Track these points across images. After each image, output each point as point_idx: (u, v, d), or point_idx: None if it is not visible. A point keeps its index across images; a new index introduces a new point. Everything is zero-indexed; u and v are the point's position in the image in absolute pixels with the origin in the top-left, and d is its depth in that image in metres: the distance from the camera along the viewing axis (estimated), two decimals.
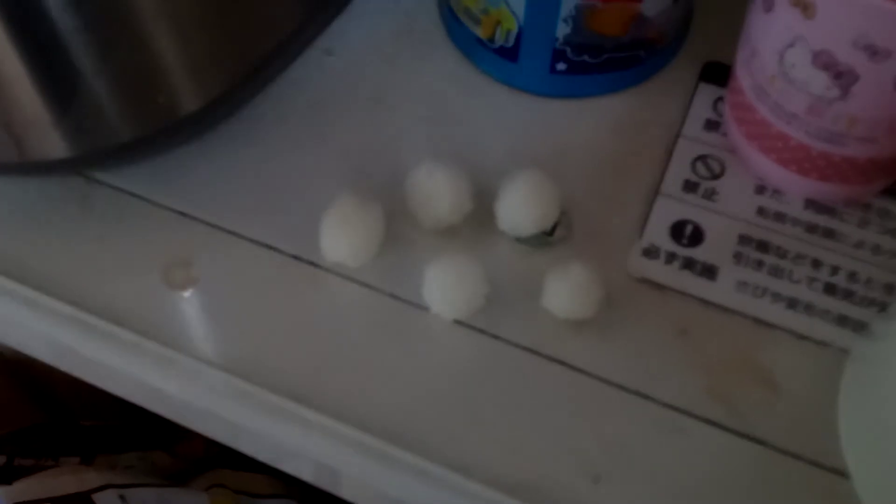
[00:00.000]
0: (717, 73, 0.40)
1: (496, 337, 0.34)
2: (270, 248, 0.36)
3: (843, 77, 0.31)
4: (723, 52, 0.40)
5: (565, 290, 0.33)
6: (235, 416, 0.33)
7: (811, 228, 0.36)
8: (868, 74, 0.31)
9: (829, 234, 0.36)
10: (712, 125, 0.39)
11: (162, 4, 0.32)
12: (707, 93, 0.40)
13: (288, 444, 0.33)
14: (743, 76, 0.35)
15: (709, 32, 0.41)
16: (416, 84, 0.40)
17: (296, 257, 0.36)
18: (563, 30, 0.36)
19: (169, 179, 0.37)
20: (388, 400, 0.33)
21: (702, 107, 0.39)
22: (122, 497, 0.66)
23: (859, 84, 0.31)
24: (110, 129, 0.33)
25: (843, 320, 0.34)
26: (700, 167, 0.37)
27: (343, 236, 0.35)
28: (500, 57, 0.39)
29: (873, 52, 0.30)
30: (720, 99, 0.39)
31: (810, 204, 0.36)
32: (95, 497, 0.65)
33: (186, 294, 0.35)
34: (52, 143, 0.33)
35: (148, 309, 0.35)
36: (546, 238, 0.36)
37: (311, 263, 0.36)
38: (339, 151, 0.38)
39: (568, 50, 0.37)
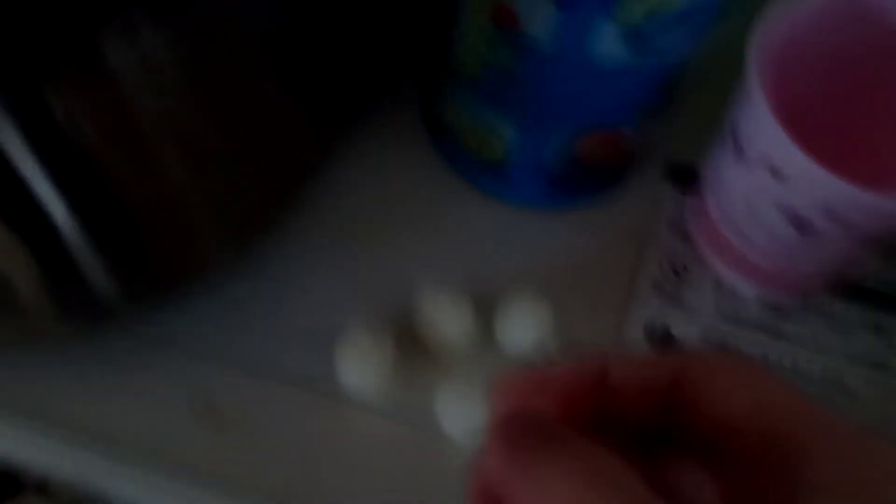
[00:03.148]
0: (682, 173, 0.44)
1: None
2: (292, 381, 0.39)
3: (802, 227, 0.36)
4: (687, 152, 0.44)
5: None
6: None
7: (764, 329, 0.41)
8: (825, 229, 0.35)
9: (778, 332, 0.41)
10: (679, 227, 0.43)
11: (193, 186, 0.34)
12: (673, 193, 0.44)
13: None
14: (711, 203, 0.40)
15: (671, 132, 0.45)
16: (408, 204, 0.43)
17: (314, 389, 0.39)
18: (549, 158, 0.40)
19: (187, 322, 0.39)
20: None
21: (669, 209, 0.43)
22: None
23: (816, 234, 0.36)
24: (150, 289, 0.36)
25: None
26: (669, 270, 0.42)
27: (357, 369, 0.38)
28: (488, 174, 0.42)
29: (831, 215, 0.35)
30: (683, 200, 0.44)
31: (764, 304, 0.42)
32: None
33: (214, 432, 0.38)
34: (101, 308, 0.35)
35: (177, 447, 0.37)
36: (542, 350, 0.40)
37: (331, 395, 0.39)
38: (344, 280, 0.41)
39: (555, 174, 0.40)
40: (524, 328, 0.39)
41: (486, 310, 0.40)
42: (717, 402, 0.23)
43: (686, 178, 0.44)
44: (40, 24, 0.25)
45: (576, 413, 0.25)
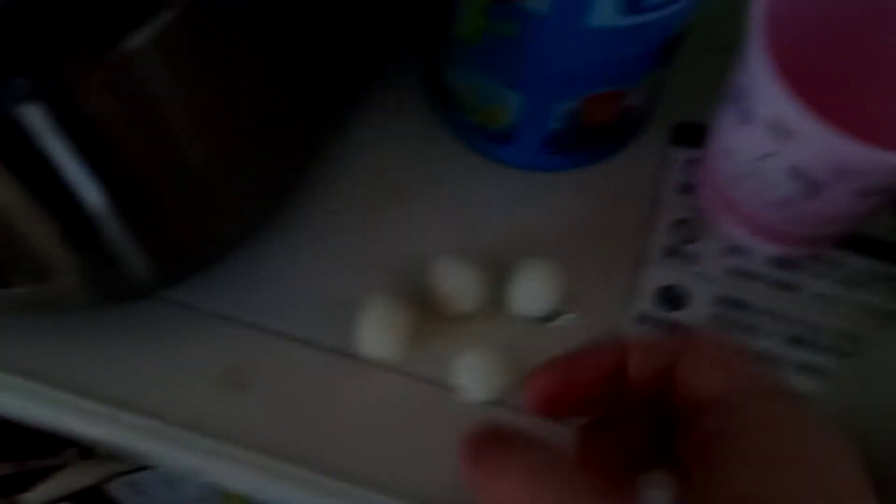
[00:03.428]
0: (687, 134, 0.44)
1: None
2: (312, 344, 0.40)
3: (809, 186, 0.36)
4: (691, 113, 0.44)
5: None
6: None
7: (776, 284, 0.42)
8: (832, 187, 0.36)
9: (790, 287, 0.42)
10: (686, 188, 0.43)
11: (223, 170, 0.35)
12: (678, 155, 0.44)
13: None
14: (718, 165, 0.40)
15: (675, 94, 0.45)
16: (416, 172, 0.44)
17: (335, 353, 0.40)
18: (554, 124, 0.40)
19: (215, 287, 0.41)
20: (436, 474, 0.38)
21: (675, 169, 0.44)
22: (131, 484, 0.70)
23: (824, 191, 0.36)
24: (186, 258, 0.38)
25: (805, 369, 0.40)
26: (678, 232, 0.42)
27: (376, 334, 0.39)
28: (493, 141, 0.42)
29: (838, 172, 0.35)
30: (691, 161, 0.44)
31: (774, 260, 0.42)
32: (108, 488, 0.69)
33: (240, 395, 0.39)
34: (140, 278, 0.36)
35: (203, 409, 0.39)
36: (553, 315, 0.41)
37: (352, 357, 0.40)
38: (358, 248, 0.42)
39: (560, 137, 0.41)
40: (536, 293, 0.40)
41: (497, 275, 0.40)
42: (694, 386, 0.25)
43: (693, 139, 0.44)
44: (63, 9, 0.26)
45: (598, 398, 0.28)
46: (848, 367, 0.40)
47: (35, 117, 0.27)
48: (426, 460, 0.38)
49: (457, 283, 0.40)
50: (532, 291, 0.40)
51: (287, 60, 0.35)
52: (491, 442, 0.25)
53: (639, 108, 0.42)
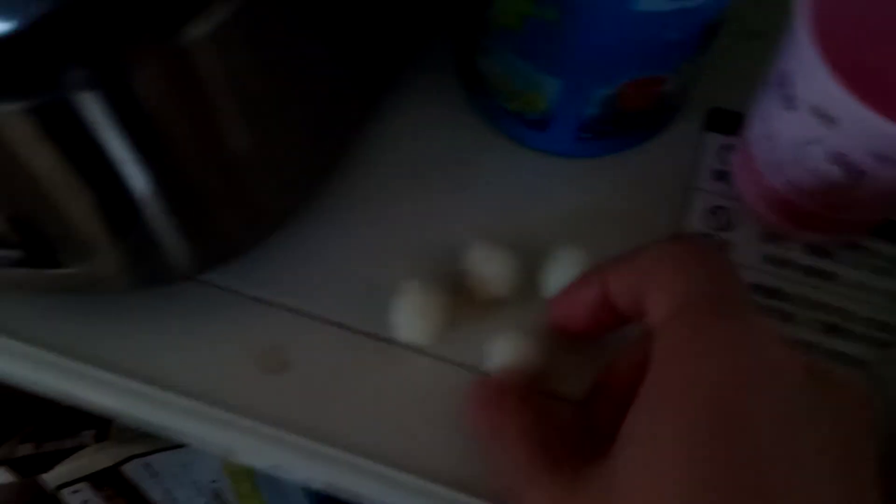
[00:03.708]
0: (721, 120, 0.44)
1: (553, 395, 0.39)
2: (348, 327, 0.40)
3: (852, 172, 0.36)
4: (723, 99, 0.44)
5: None
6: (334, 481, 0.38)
7: (812, 272, 0.41)
8: (875, 172, 0.35)
9: (826, 275, 0.41)
10: (720, 175, 0.43)
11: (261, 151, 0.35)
12: (713, 141, 0.44)
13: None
14: (756, 151, 0.40)
15: (709, 80, 0.45)
16: (450, 158, 0.44)
17: (372, 335, 0.40)
18: (592, 110, 0.40)
19: (252, 271, 0.41)
20: (470, 456, 0.38)
21: (710, 156, 0.43)
22: (146, 465, 0.71)
23: (866, 178, 0.36)
24: (227, 243, 0.38)
25: (840, 357, 0.40)
26: (712, 219, 0.42)
27: (410, 318, 0.39)
28: (528, 127, 0.42)
29: (882, 158, 0.35)
30: (725, 147, 0.44)
31: (810, 248, 0.42)
32: (124, 469, 0.69)
33: (280, 377, 0.39)
34: (181, 262, 0.36)
35: (240, 390, 0.39)
36: None
37: (386, 340, 0.40)
38: (393, 233, 0.42)
39: (596, 123, 0.41)
40: (569, 279, 0.39)
41: (531, 260, 0.40)
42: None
43: (727, 125, 0.44)
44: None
45: (601, 321, 0.34)
46: (884, 355, 0.40)
47: (89, 104, 0.27)
48: (459, 443, 0.38)
49: (491, 268, 0.40)
50: (566, 277, 0.40)
51: (331, 47, 0.35)
52: (495, 391, 0.34)
53: (676, 94, 0.41)
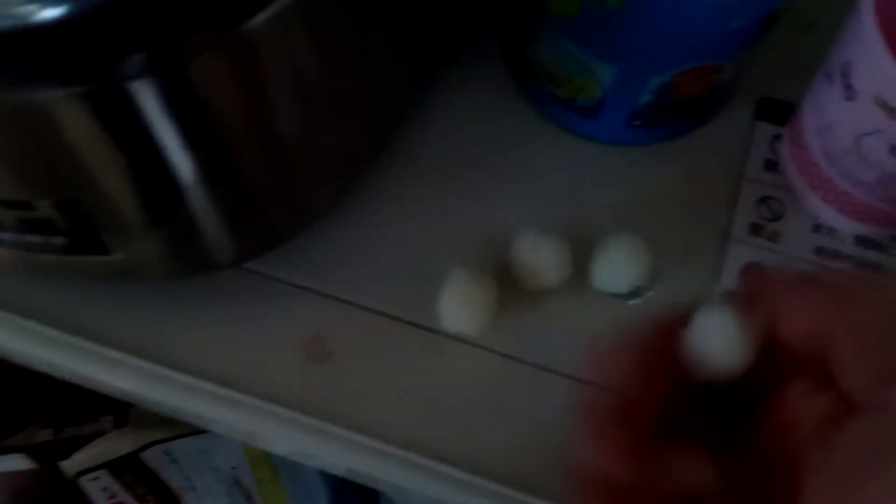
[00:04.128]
0: (772, 110, 0.43)
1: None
2: (393, 317, 0.39)
3: None
4: (773, 89, 0.43)
5: None
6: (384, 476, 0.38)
7: (864, 264, 0.41)
8: None
9: (878, 268, 0.41)
10: (771, 165, 0.42)
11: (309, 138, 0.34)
12: (763, 131, 0.43)
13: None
14: (811, 142, 0.39)
15: (760, 68, 0.44)
16: (497, 146, 0.43)
17: (418, 325, 0.39)
18: (645, 98, 0.39)
19: (297, 260, 0.40)
20: (515, 448, 0.37)
21: (760, 146, 0.43)
22: (166, 452, 0.70)
23: None
24: (272, 231, 0.37)
25: None
26: (763, 209, 0.42)
27: (458, 308, 0.38)
28: (578, 115, 0.41)
29: None
30: (776, 137, 0.43)
31: (860, 240, 0.41)
32: (144, 456, 0.69)
33: (324, 365, 0.39)
34: (226, 249, 0.36)
35: (285, 379, 0.38)
36: (637, 291, 0.40)
37: (431, 330, 0.39)
38: (442, 222, 0.41)
39: (647, 111, 0.40)
40: (620, 269, 0.39)
41: (581, 250, 0.39)
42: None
43: (777, 115, 0.43)
44: None
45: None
46: None
47: (145, 91, 0.26)
48: (504, 435, 0.38)
49: (540, 257, 0.39)
50: (615, 267, 0.39)
51: (385, 35, 0.35)
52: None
53: (729, 83, 0.41)
